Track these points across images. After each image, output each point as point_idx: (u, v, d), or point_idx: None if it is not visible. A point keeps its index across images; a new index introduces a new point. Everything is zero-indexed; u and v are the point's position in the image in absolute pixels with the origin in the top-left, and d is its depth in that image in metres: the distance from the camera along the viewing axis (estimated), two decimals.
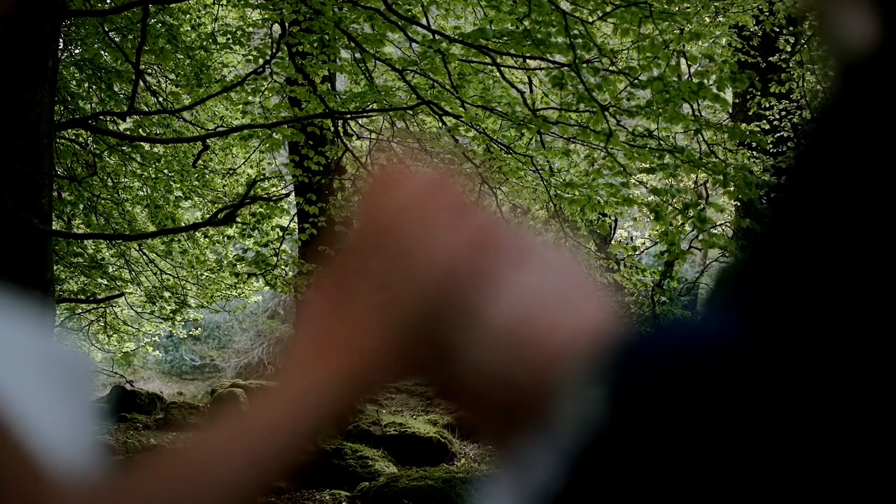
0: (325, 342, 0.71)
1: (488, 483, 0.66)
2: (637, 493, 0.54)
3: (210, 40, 11.39)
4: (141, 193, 12.58)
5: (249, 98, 10.47)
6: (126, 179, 12.53)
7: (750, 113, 14.15)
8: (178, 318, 14.08)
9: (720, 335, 0.56)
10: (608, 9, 6.99)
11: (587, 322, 0.67)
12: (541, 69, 8.45)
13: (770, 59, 13.80)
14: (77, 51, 11.39)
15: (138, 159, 11.94)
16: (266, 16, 9.52)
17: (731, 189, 7.00)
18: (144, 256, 13.33)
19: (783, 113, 14.16)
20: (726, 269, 0.63)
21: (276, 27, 10.84)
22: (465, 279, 0.69)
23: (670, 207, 7.43)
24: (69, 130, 10.73)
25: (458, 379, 0.69)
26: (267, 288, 12.46)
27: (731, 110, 15.37)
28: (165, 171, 12.09)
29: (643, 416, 0.55)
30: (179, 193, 12.33)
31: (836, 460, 0.51)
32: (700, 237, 7.50)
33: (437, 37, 7.85)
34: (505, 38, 7.21)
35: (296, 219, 12.06)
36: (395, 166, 0.75)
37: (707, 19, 11.53)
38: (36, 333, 0.75)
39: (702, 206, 7.30)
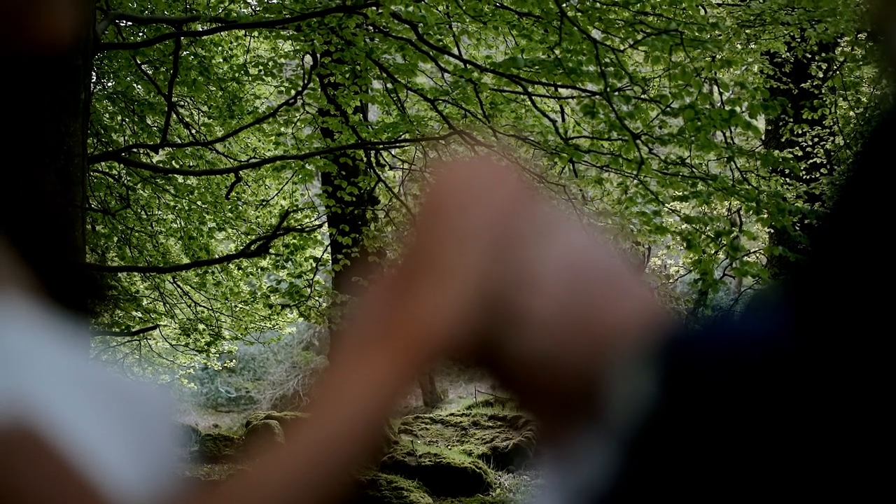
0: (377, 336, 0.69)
1: (540, 481, 0.65)
2: (689, 481, 0.54)
3: (242, 72, 11.44)
4: (174, 225, 12.63)
5: (282, 129, 10.52)
6: (159, 211, 12.59)
7: (782, 139, 14.11)
8: (213, 351, 14.08)
9: (774, 335, 0.56)
10: (639, 37, 7.00)
11: (639, 307, 0.67)
12: (572, 98, 8.44)
13: (802, 85, 13.76)
14: (110, 83, 11.47)
15: (171, 191, 11.98)
16: (297, 47, 9.55)
17: (765, 216, 6.97)
18: (178, 289, 13.35)
19: (816, 139, 14.11)
20: (777, 282, 0.64)
21: (308, 58, 10.88)
22: (519, 263, 0.68)
23: (703, 235, 7.40)
24: (102, 163, 10.80)
25: (515, 365, 0.68)
26: (301, 319, 12.47)
27: (763, 137, 15.32)
28: (199, 202, 12.13)
29: (695, 404, 0.55)
30: (213, 225, 12.37)
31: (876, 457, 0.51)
32: (733, 265, 7.46)
33: (469, 66, 7.88)
34: (536, 67, 7.22)
35: (329, 249, 12.07)
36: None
37: (739, 46, 11.51)
38: (93, 364, 0.74)
39: (735, 233, 7.27)
